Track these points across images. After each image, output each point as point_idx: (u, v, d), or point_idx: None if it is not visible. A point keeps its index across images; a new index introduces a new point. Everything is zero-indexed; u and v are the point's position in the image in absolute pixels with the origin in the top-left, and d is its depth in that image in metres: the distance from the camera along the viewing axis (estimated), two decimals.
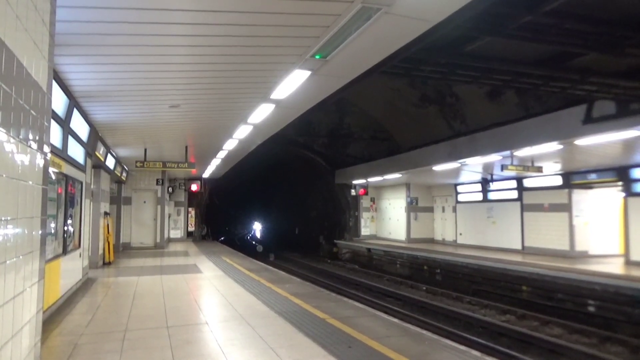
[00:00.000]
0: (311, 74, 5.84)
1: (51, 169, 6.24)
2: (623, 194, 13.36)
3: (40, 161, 2.71)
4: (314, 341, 5.17)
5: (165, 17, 4.14)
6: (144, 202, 18.41)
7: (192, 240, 22.98)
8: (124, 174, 16.44)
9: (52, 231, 6.81)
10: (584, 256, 14.40)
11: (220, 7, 3.94)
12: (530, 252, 15.94)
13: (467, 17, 5.31)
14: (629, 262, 12.75)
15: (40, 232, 2.75)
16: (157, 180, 18.37)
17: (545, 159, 12.72)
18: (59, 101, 6.17)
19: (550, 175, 15.21)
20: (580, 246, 14.61)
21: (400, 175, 18.78)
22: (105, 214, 12.56)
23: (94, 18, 4.11)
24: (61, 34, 4.33)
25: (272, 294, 8.18)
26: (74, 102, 6.84)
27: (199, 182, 22.14)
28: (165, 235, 18.97)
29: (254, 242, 39.65)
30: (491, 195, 18.39)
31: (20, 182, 2.34)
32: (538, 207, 16.00)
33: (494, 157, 12.95)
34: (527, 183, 16.52)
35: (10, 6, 2.14)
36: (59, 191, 7.19)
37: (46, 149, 2.84)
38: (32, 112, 2.53)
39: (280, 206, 43.67)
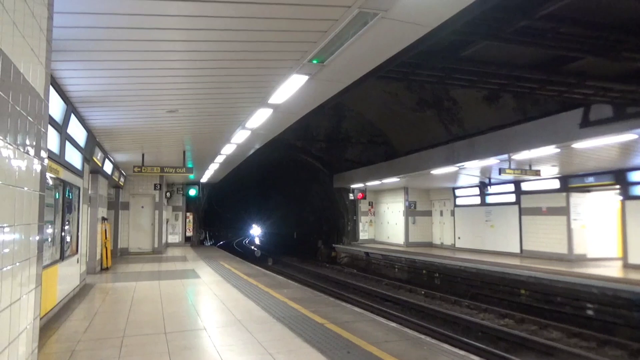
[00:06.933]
0: (309, 79, 5.85)
1: (48, 175, 6.22)
2: (620, 197, 13.39)
3: (37, 167, 2.70)
4: (312, 346, 5.15)
5: (161, 22, 4.14)
6: (142, 207, 18.37)
7: (190, 245, 22.93)
8: (122, 179, 16.41)
9: (50, 237, 6.79)
10: (582, 259, 14.41)
11: (217, 12, 3.94)
12: (529, 255, 15.94)
13: (463, 21, 5.33)
14: (626, 265, 12.76)
15: (37, 238, 2.74)
16: (155, 185, 18.34)
17: (543, 162, 12.75)
18: (56, 107, 6.16)
19: (548, 178, 15.24)
20: (578, 249, 14.62)
21: (399, 179, 18.79)
22: (103, 219, 12.52)
23: (91, 24, 4.12)
24: (58, 39, 4.33)
25: (271, 299, 8.15)
26: (71, 108, 6.83)
27: (197, 186, 22.13)
28: (163, 241, 18.92)
29: (252, 247, 39.58)
30: (489, 199, 18.41)
31: (17, 189, 2.33)
32: (536, 211, 16.02)
33: (492, 161, 12.97)
34: (525, 187, 16.54)
35: (7, 12, 2.14)
36: (56, 197, 7.17)
37: (43, 154, 2.83)
38: (29, 118, 2.52)
39: (278, 210, 43.65)
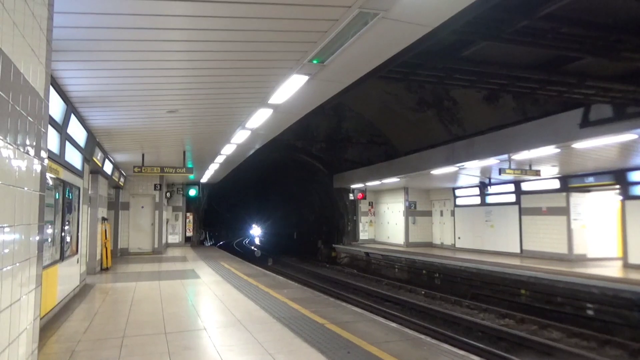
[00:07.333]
0: (309, 79, 5.85)
1: (48, 175, 6.22)
2: (620, 197, 13.39)
3: (37, 167, 2.70)
4: (312, 347, 5.15)
5: (162, 22, 4.14)
6: (142, 207, 18.36)
7: (190, 246, 22.93)
8: (122, 179, 16.41)
9: (50, 237, 6.79)
10: (582, 259, 14.41)
11: (217, 12, 3.94)
12: (529, 255, 15.94)
13: (463, 21, 5.33)
14: (627, 265, 12.76)
15: (37, 238, 2.74)
16: (155, 185, 18.33)
17: (543, 162, 12.74)
18: (56, 107, 6.16)
19: (548, 178, 15.24)
20: (578, 249, 14.61)
21: (399, 180, 18.79)
22: (103, 219, 12.52)
23: (91, 24, 4.11)
24: (58, 39, 4.33)
25: (271, 299, 8.15)
26: (71, 108, 6.83)
27: (197, 187, 22.13)
28: (163, 241, 18.92)
29: (252, 247, 39.59)
30: (489, 199, 18.41)
31: (17, 189, 2.33)
32: (536, 211, 16.01)
33: (492, 161, 12.97)
34: (525, 187, 16.54)
35: (8, 13, 2.13)
36: (56, 197, 7.17)
37: (43, 155, 2.83)
38: (29, 118, 2.52)
39: (278, 211, 43.66)
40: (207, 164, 15.11)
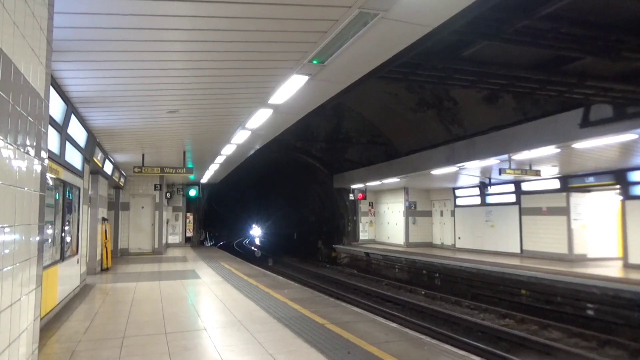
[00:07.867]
0: (309, 79, 5.85)
1: (48, 175, 6.22)
2: (621, 197, 13.39)
3: (37, 167, 2.70)
4: (312, 347, 5.15)
5: (162, 23, 4.14)
6: (142, 207, 18.37)
7: (190, 246, 22.93)
8: (122, 180, 16.41)
9: (50, 237, 6.79)
10: (583, 259, 14.40)
11: (217, 13, 3.95)
12: (529, 255, 15.93)
13: (463, 21, 5.34)
14: (627, 265, 12.75)
15: (37, 239, 2.74)
16: (155, 185, 18.34)
17: (543, 162, 12.74)
18: (56, 107, 6.17)
19: (548, 178, 15.24)
20: (578, 249, 14.61)
21: (399, 180, 18.79)
22: (103, 219, 12.52)
23: (92, 24, 4.12)
24: (59, 40, 4.33)
25: (271, 300, 8.15)
26: (71, 108, 6.83)
27: (197, 187, 22.13)
28: (163, 241, 18.92)
29: (252, 248, 39.58)
30: (489, 199, 18.40)
31: (17, 189, 2.33)
32: (536, 211, 16.01)
33: (492, 161, 12.97)
34: (525, 187, 16.54)
35: (8, 13, 2.14)
36: (57, 197, 7.17)
37: (43, 155, 2.83)
38: (30, 118, 2.52)
39: (278, 211, 43.66)
40: (207, 164, 15.11)
